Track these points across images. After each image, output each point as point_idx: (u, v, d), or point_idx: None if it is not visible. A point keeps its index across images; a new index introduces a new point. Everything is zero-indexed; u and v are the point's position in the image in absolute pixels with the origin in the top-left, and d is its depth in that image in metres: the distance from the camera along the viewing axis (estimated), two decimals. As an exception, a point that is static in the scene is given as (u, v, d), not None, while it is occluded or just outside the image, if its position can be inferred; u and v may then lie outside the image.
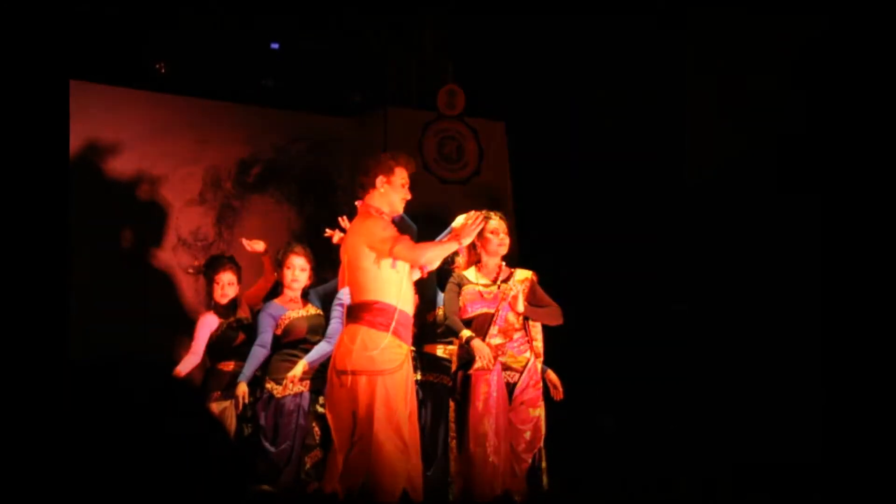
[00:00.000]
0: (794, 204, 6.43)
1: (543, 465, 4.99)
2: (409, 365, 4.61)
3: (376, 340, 4.44)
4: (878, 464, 5.58)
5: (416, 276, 4.75)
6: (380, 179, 4.64)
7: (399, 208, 4.74)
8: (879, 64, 5.94)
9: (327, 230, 5.58)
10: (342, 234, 5.48)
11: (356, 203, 4.74)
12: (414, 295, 5.42)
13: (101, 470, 5.07)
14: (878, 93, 5.95)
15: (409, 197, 4.73)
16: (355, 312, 4.53)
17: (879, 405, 5.74)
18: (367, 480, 4.36)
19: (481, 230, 5.09)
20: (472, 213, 4.73)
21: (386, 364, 4.43)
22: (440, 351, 5.51)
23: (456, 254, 5.34)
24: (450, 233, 4.82)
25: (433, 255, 4.64)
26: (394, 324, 4.47)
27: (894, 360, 5.72)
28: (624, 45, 7.20)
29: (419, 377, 5.47)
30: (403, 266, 4.57)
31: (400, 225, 4.88)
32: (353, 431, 4.46)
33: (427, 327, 5.56)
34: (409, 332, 4.62)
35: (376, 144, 7.42)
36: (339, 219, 5.50)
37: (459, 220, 5.04)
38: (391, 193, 4.67)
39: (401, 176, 4.68)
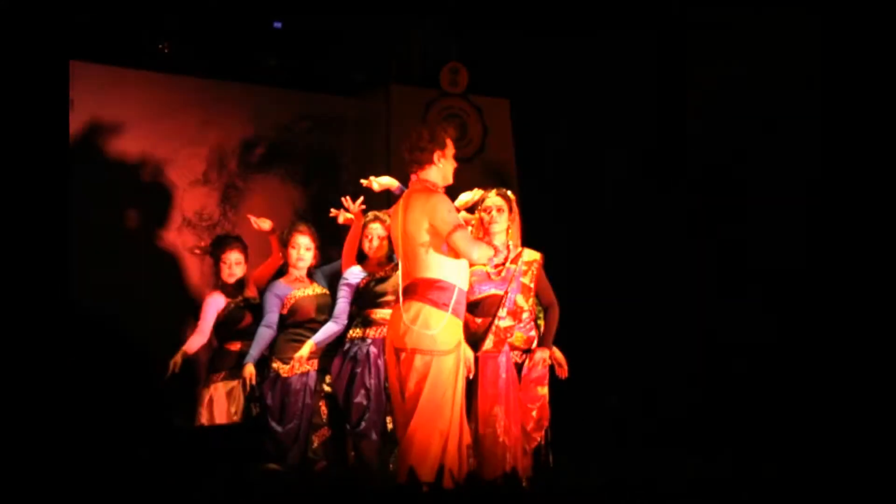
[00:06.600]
0: (786, 187, 6.46)
1: (549, 441, 5.01)
2: (463, 346, 4.57)
3: (437, 319, 4.40)
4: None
5: None
6: (437, 154, 4.58)
7: (451, 179, 4.69)
8: (877, 64, 5.94)
9: (332, 210, 5.57)
10: (348, 216, 5.48)
11: (411, 175, 4.63)
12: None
13: (103, 449, 5.09)
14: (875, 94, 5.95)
15: (456, 165, 4.70)
16: (414, 289, 4.46)
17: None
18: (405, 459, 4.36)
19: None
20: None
21: (444, 345, 4.40)
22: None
23: None
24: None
25: (484, 253, 4.55)
26: (453, 303, 4.42)
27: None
28: (629, 21, 7.18)
29: None
30: None
31: None
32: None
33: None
34: (464, 310, 4.59)
35: (380, 122, 7.41)
36: (343, 199, 5.50)
37: (464, 198, 5.04)
38: (447, 166, 4.63)
39: (451, 147, 4.64)
